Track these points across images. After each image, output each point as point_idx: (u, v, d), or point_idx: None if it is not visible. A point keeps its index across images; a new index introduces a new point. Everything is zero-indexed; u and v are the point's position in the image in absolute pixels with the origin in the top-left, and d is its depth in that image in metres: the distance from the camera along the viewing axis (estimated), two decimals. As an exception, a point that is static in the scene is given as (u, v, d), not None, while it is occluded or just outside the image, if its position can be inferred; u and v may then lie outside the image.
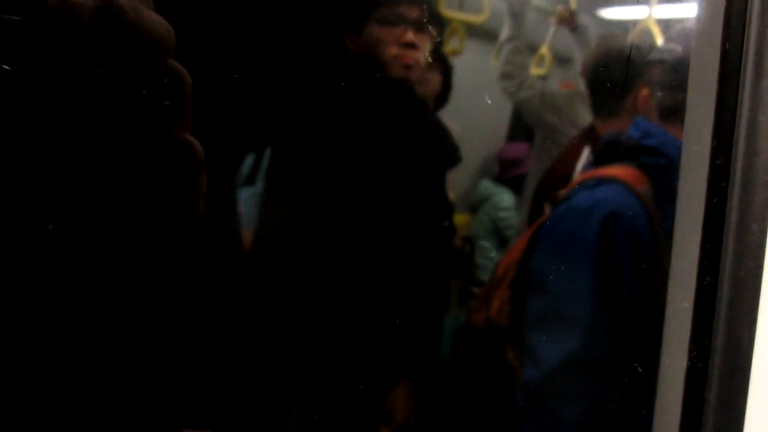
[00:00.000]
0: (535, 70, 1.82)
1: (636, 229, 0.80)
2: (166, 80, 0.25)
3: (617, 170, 0.84)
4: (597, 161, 0.90)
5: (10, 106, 0.22)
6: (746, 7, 0.60)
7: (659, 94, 0.83)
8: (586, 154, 1.22)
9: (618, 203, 0.79)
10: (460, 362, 1.08)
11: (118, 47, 0.24)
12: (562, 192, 0.93)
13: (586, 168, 0.95)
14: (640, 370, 0.61)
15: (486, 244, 2.11)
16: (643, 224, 0.80)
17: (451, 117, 1.48)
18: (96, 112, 0.24)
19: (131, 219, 0.25)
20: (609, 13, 2.04)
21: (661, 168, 0.82)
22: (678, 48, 0.79)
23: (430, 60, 1.32)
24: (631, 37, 1.70)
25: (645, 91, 1.11)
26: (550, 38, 1.86)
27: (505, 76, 1.56)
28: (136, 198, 0.25)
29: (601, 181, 0.83)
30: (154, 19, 0.25)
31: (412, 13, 1.11)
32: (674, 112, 0.81)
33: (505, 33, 1.67)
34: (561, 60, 1.94)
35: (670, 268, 0.64)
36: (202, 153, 0.27)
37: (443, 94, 1.49)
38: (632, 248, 0.80)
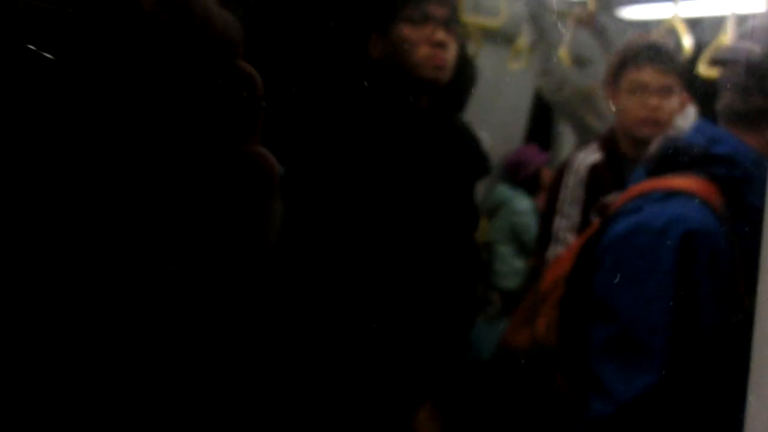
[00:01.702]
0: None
1: (716, 249, 0.71)
2: (234, 84, 0.22)
3: (687, 182, 0.75)
4: (654, 170, 0.80)
5: (56, 103, 0.20)
6: None
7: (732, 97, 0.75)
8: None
9: (696, 221, 0.70)
10: (499, 385, 0.99)
11: (182, 42, 0.21)
12: (615, 201, 0.84)
13: (637, 176, 0.86)
14: (750, 400, 0.53)
15: (505, 250, 2.04)
16: (723, 244, 0.71)
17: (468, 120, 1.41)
18: (155, 114, 0.21)
19: (190, 237, 0.22)
20: (631, 12, 1.97)
21: (736, 180, 0.72)
22: (755, 48, 0.71)
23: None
24: (656, 36, 1.62)
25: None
26: (569, 39, 1.79)
27: (543, 73, 1.48)
28: (197, 216, 0.22)
29: (670, 194, 0.74)
30: (223, 14, 0.22)
31: (441, 11, 1.02)
32: (748, 117, 0.72)
33: (533, 32, 1.59)
34: (582, 61, 1.87)
35: (758, 292, 0.56)
36: (276, 167, 0.23)
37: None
38: (713, 271, 0.71)
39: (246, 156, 0.22)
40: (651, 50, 1.03)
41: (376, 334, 0.94)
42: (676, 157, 0.78)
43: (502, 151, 2.14)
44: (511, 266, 2.12)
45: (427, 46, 0.98)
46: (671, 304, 0.70)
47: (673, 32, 1.67)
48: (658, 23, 1.72)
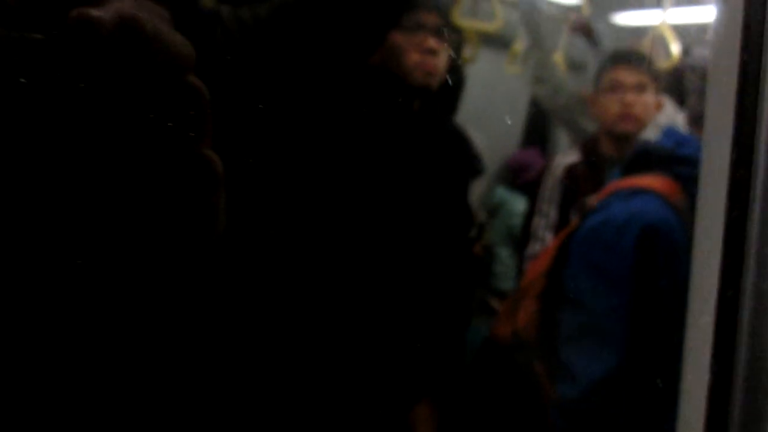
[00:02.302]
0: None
1: (674, 242, 0.77)
2: (183, 95, 0.25)
3: (651, 180, 0.81)
4: (627, 170, 0.87)
5: (27, 120, 0.22)
6: (765, 17, 0.59)
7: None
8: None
9: (655, 216, 0.76)
10: (485, 377, 1.04)
11: (137, 63, 0.24)
12: (591, 201, 0.90)
13: (613, 176, 0.92)
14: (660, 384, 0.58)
15: (503, 252, 2.08)
16: (681, 237, 0.77)
17: (465, 124, 1.45)
18: (114, 127, 0.24)
19: (147, 234, 0.25)
20: (623, 18, 2.01)
21: (695, 178, 0.78)
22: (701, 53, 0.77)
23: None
24: (646, 44, 1.67)
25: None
26: (564, 45, 1.84)
27: (537, 81, 1.53)
28: (153, 214, 0.25)
29: (635, 192, 0.80)
30: (174, 36, 0.24)
31: (432, 19, 1.08)
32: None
33: (527, 39, 1.65)
34: (576, 66, 1.91)
35: (690, 281, 0.62)
36: (221, 168, 0.26)
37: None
38: (670, 262, 0.77)
39: (195, 157, 0.25)
40: (623, 53, 1.10)
41: (372, 333, 0.99)
42: (647, 158, 0.83)
43: (500, 154, 2.18)
44: (508, 268, 2.15)
45: (419, 53, 1.04)
46: (631, 293, 0.75)
47: (662, 39, 1.71)
48: (650, 29, 1.77)
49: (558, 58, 1.84)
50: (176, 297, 0.26)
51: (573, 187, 1.11)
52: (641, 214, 0.77)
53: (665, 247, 0.77)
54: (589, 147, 1.16)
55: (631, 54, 1.12)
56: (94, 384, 0.25)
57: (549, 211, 1.17)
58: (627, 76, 1.07)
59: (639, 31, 1.94)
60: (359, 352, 0.99)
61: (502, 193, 2.13)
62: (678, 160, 0.80)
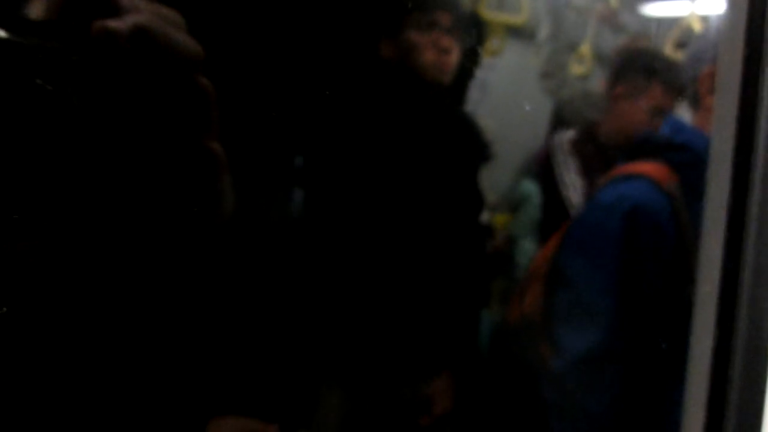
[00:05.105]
0: (575, 69, 1.84)
1: (660, 223, 0.84)
2: (192, 94, 0.29)
3: (644, 166, 0.88)
4: (628, 158, 0.94)
5: (49, 121, 0.27)
6: (765, 14, 0.66)
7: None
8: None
9: (641, 198, 0.83)
10: (497, 357, 1.12)
11: (151, 66, 0.28)
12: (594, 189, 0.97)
13: (618, 165, 0.99)
14: (665, 349, 0.65)
15: (528, 244, 2.13)
16: (667, 218, 0.84)
17: (490, 116, 1.52)
18: (130, 123, 0.28)
19: (156, 219, 0.29)
20: (652, 10, 2.04)
21: (687, 164, 0.85)
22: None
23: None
24: (673, 34, 1.70)
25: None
26: (590, 36, 1.87)
27: (546, 75, 1.59)
28: (164, 199, 0.29)
29: (627, 177, 0.87)
30: (184, 40, 0.29)
31: (446, 18, 1.16)
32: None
33: (544, 31, 1.70)
34: (602, 58, 1.95)
35: (698, 256, 0.69)
36: (223, 157, 0.31)
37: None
38: (656, 242, 0.84)
39: (203, 149, 0.30)
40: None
41: (390, 310, 1.06)
42: (646, 146, 0.90)
43: (527, 147, 2.22)
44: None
45: (433, 51, 1.12)
46: (617, 271, 0.82)
47: (690, 30, 1.74)
48: (677, 21, 1.80)
49: (584, 49, 1.88)
50: (189, 274, 0.28)
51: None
52: (629, 196, 0.84)
53: (652, 228, 0.84)
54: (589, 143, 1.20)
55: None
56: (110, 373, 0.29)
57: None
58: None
59: (667, 22, 1.97)
60: (379, 327, 1.06)
61: (528, 186, 2.18)
62: (672, 147, 0.87)
